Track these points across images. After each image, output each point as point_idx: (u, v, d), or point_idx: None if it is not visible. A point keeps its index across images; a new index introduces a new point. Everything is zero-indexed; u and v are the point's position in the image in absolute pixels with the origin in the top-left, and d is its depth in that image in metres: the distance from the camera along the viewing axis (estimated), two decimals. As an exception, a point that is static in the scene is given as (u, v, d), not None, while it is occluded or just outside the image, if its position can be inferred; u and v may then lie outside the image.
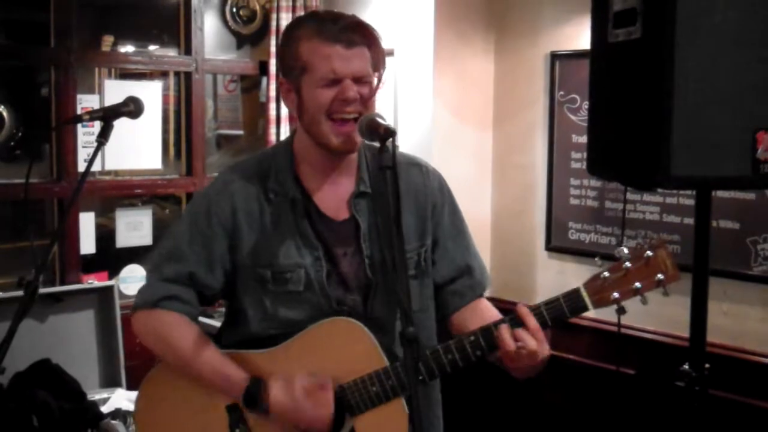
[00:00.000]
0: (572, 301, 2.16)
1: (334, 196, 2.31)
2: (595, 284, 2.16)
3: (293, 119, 4.67)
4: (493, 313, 2.41)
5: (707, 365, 2.43)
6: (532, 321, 2.12)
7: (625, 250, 2.16)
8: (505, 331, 2.12)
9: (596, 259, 2.23)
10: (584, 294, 2.16)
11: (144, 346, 4.15)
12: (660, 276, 2.13)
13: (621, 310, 2.16)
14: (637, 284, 2.13)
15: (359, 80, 2.18)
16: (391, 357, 2.21)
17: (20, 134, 4.40)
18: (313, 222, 2.28)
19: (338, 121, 2.18)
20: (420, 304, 2.37)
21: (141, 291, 2.38)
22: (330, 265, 2.28)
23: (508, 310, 2.26)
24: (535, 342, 2.10)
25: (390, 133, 1.96)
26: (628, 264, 2.14)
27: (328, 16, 2.22)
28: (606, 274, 2.15)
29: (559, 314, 2.15)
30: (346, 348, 2.22)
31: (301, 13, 4.64)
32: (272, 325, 2.28)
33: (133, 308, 2.38)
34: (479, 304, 2.47)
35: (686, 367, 2.43)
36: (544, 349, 2.13)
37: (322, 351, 2.22)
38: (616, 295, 2.14)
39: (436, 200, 2.42)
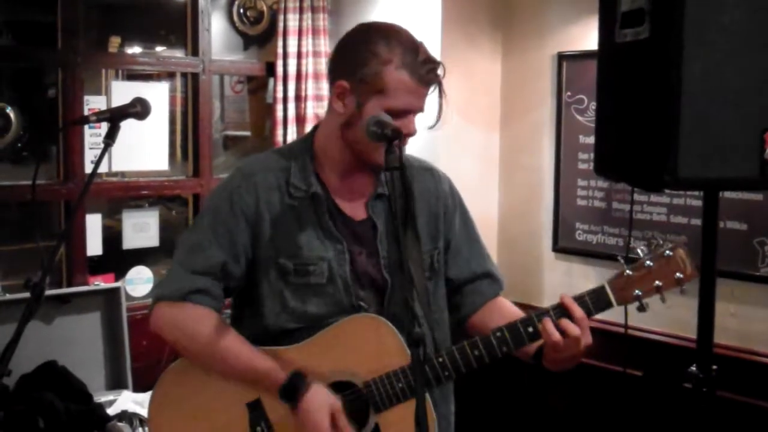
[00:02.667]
0: (597, 297, 2.21)
1: (353, 196, 2.34)
2: (619, 282, 2.21)
3: (300, 121, 4.68)
4: (513, 310, 2.44)
5: (714, 367, 2.42)
6: (578, 310, 2.17)
7: (646, 250, 2.21)
8: (548, 322, 2.16)
9: (619, 257, 2.25)
10: (609, 290, 2.21)
11: (150, 347, 4.20)
12: (679, 275, 2.19)
13: (642, 308, 2.21)
14: (658, 282, 2.19)
15: (416, 114, 2.26)
16: None
17: (27, 136, 4.40)
18: (334, 218, 2.31)
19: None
20: (434, 304, 2.40)
21: (166, 282, 2.36)
22: (351, 262, 2.30)
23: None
24: (578, 330, 2.14)
25: (397, 134, 2.00)
26: (649, 263, 2.20)
27: (416, 49, 2.24)
28: (629, 272, 2.20)
29: (585, 311, 2.19)
30: (372, 344, 2.24)
31: (308, 14, 4.63)
32: (290, 318, 2.29)
33: (156, 299, 2.35)
34: (499, 302, 2.51)
35: (693, 368, 2.42)
36: (587, 338, 2.17)
37: (349, 347, 2.25)
38: (638, 292, 2.20)
39: (448, 204, 2.46)
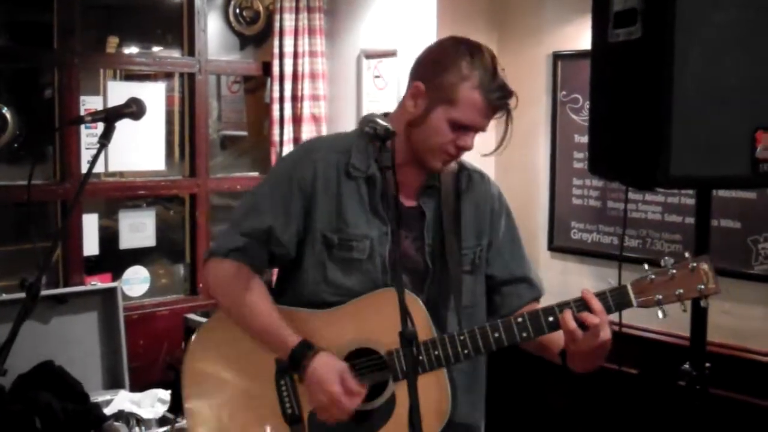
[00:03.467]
0: (619, 296, 2.24)
1: (405, 184, 2.41)
2: (641, 284, 2.23)
3: (297, 120, 4.70)
4: None
5: (708, 364, 2.44)
6: (597, 303, 2.20)
7: (672, 260, 2.23)
8: (567, 312, 2.21)
9: (645, 265, 2.26)
10: (630, 291, 2.23)
11: (147, 347, 4.21)
12: (701, 286, 2.21)
13: (663, 313, 2.23)
14: (680, 290, 2.21)
15: (476, 131, 2.37)
16: None
17: (24, 136, 4.41)
18: (385, 201, 2.39)
19: (448, 155, 2.36)
20: (472, 300, 2.47)
21: (218, 239, 2.49)
22: (393, 245, 2.37)
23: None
24: (597, 319, 2.17)
25: (390, 133, 2.08)
26: (673, 271, 2.22)
27: (495, 74, 2.32)
28: (652, 276, 2.22)
29: (605, 306, 2.22)
30: (399, 316, 2.26)
31: (304, 14, 4.65)
32: (327, 289, 2.38)
33: (208, 255, 2.47)
34: (536, 307, 2.52)
35: (687, 366, 2.44)
36: (607, 332, 2.19)
37: (375, 317, 2.32)
38: (659, 297, 2.22)
39: (495, 206, 2.57)
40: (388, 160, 2.06)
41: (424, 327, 2.28)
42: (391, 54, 4.41)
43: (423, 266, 2.41)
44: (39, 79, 4.58)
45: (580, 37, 4.04)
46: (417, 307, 2.30)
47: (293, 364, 2.29)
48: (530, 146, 4.41)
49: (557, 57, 4.24)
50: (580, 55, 4.05)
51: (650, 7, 2.18)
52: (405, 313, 1.94)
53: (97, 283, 4.21)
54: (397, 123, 2.33)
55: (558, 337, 2.29)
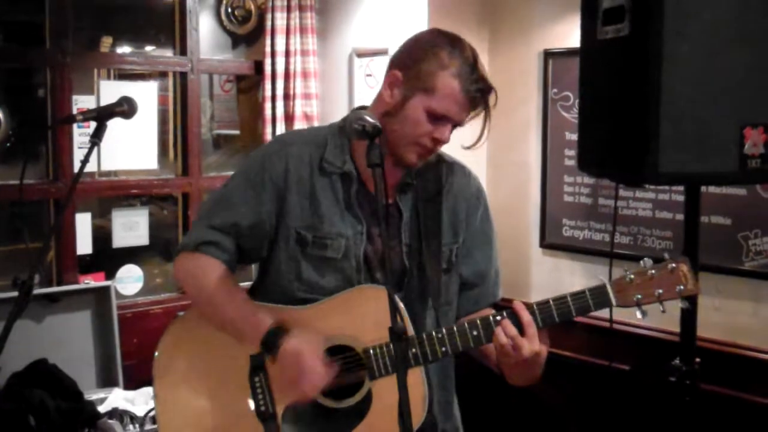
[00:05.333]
0: (598, 294, 2.23)
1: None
2: (620, 283, 2.23)
3: (289, 119, 4.70)
4: None
5: (698, 360, 2.45)
6: (525, 315, 2.19)
7: (651, 261, 2.23)
8: (498, 329, 2.20)
9: (624, 265, 2.28)
10: (610, 290, 2.23)
11: (141, 345, 4.21)
12: (680, 287, 2.22)
13: (643, 313, 2.24)
14: (659, 290, 2.22)
15: (454, 125, 2.32)
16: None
17: (16, 135, 4.41)
18: (360, 198, 2.37)
19: (423, 148, 2.31)
20: (447, 298, 2.46)
21: (188, 234, 2.48)
22: (368, 243, 2.37)
23: (503, 307, 2.30)
24: (523, 335, 2.17)
25: (377, 130, 2.06)
26: (652, 271, 2.22)
27: (475, 66, 2.28)
28: (631, 276, 2.23)
29: (585, 306, 2.23)
30: (377, 314, 2.24)
31: (296, 13, 4.65)
32: (302, 287, 2.37)
33: (177, 250, 2.46)
34: (487, 313, 2.50)
35: (677, 361, 2.45)
36: (534, 345, 2.18)
37: (353, 314, 2.30)
38: (638, 296, 2.22)
39: (472, 202, 2.53)
40: (377, 158, 2.03)
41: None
42: (383, 52, 4.41)
43: (400, 266, 2.39)
44: (31, 79, 4.58)
45: (570, 34, 4.05)
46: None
47: (268, 346, 2.26)
48: (521, 144, 4.42)
49: (548, 55, 4.25)
50: (570, 52, 4.06)
51: (638, 5, 2.20)
52: (395, 309, 1.94)
53: (90, 281, 4.22)
54: (371, 112, 2.29)
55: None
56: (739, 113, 2.19)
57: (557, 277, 4.27)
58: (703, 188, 2.46)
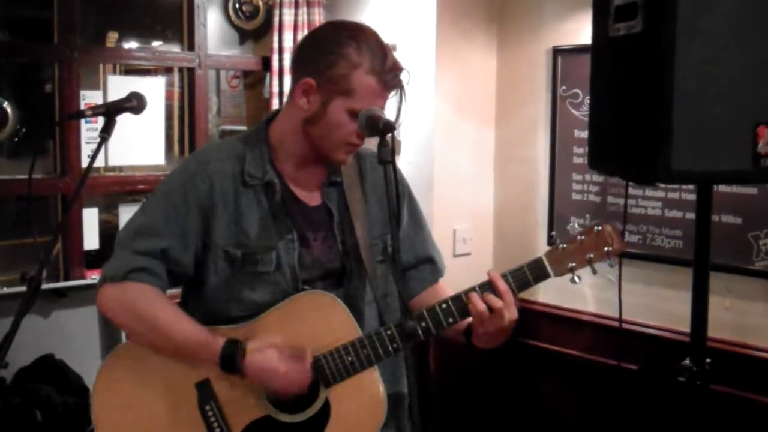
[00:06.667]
0: (536, 269, 2.31)
1: (308, 183, 2.39)
2: (554, 254, 2.32)
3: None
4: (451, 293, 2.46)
5: (708, 360, 2.44)
6: (501, 284, 2.26)
7: (578, 227, 2.33)
8: (474, 295, 2.25)
9: (552, 232, 2.35)
10: (546, 262, 2.30)
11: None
12: (608, 248, 2.30)
13: (577, 278, 2.32)
14: (590, 255, 2.31)
15: None
16: None
17: (24, 130, 4.41)
18: (287, 206, 2.35)
19: (352, 146, 2.31)
20: (386, 289, 2.46)
21: (109, 264, 2.37)
22: (302, 249, 2.35)
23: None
24: (502, 303, 2.23)
25: (389, 127, 2.06)
26: (581, 237, 2.31)
27: (384, 54, 2.27)
28: (563, 245, 2.31)
29: (524, 281, 2.30)
30: (322, 320, 2.29)
31: (304, 9, 4.64)
32: (237, 306, 2.32)
33: (100, 282, 2.36)
34: (437, 288, 2.61)
35: (687, 362, 2.44)
36: (513, 312, 2.26)
37: (299, 323, 2.28)
38: (572, 264, 2.31)
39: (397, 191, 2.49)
40: (388, 155, 2.02)
41: (348, 327, 2.28)
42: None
43: (339, 265, 2.38)
44: (39, 74, 4.57)
45: (580, 31, 4.04)
46: (338, 308, 2.29)
47: (227, 366, 2.22)
48: (530, 141, 4.41)
49: (557, 52, 4.23)
50: (580, 49, 4.05)
51: (651, 2, 2.18)
52: (405, 307, 1.93)
53: (97, 277, 4.21)
54: (289, 123, 2.33)
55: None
56: (752, 111, 2.18)
57: (565, 276, 4.25)
58: (714, 187, 2.44)
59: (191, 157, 2.46)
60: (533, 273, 2.30)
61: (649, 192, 3.86)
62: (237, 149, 2.37)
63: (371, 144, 2.20)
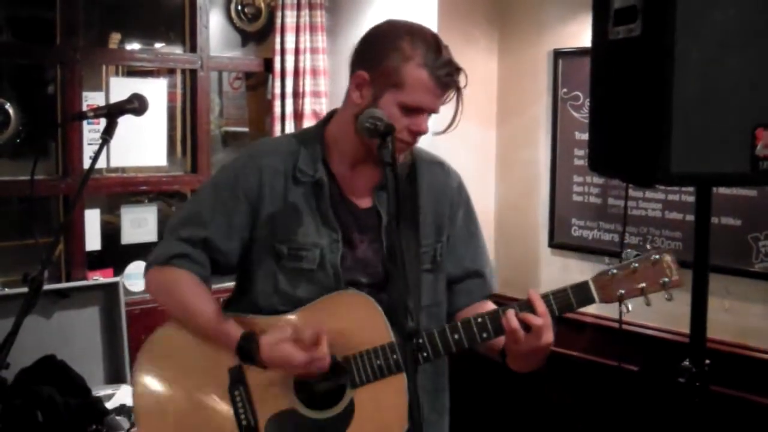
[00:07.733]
0: (580, 292, 2.23)
1: (359, 184, 2.37)
2: (602, 279, 2.23)
3: (298, 116, 4.70)
4: None
5: (708, 361, 2.44)
6: (540, 305, 2.19)
7: (633, 253, 2.23)
8: (511, 312, 2.19)
9: (606, 259, 2.28)
10: (592, 287, 2.22)
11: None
12: (665, 279, 2.21)
13: (625, 307, 2.23)
14: (643, 284, 2.21)
15: (430, 114, 2.28)
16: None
17: (26, 131, 4.42)
18: (335, 206, 2.34)
19: (403, 143, 2.25)
20: (433, 298, 2.43)
21: (155, 249, 2.43)
22: (346, 249, 2.33)
23: (499, 303, 2.33)
24: (540, 321, 2.16)
25: (390, 129, 2.03)
26: (635, 264, 2.21)
27: (439, 50, 2.24)
28: (614, 271, 2.22)
29: (567, 304, 2.22)
30: (355, 320, 2.27)
31: (306, 11, 4.65)
32: (280, 301, 2.33)
33: (147, 265, 2.43)
34: (484, 305, 2.52)
35: (687, 363, 2.44)
36: (549, 335, 2.18)
37: (330, 321, 2.26)
38: (621, 291, 2.22)
39: (454, 199, 2.50)
40: (389, 156, 2.00)
41: (380, 331, 2.26)
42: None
43: (381, 269, 2.35)
44: (41, 75, 4.58)
45: (580, 34, 4.05)
46: (373, 310, 2.26)
47: (246, 359, 2.25)
48: (531, 143, 4.42)
49: (558, 54, 4.25)
50: (580, 52, 4.06)
51: (650, 5, 2.18)
52: (405, 309, 1.93)
53: (99, 278, 4.22)
54: (343, 119, 2.31)
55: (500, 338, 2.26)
56: (751, 114, 2.17)
57: (566, 277, 4.24)
58: (714, 189, 2.44)
59: (248, 148, 2.49)
60: (577, 296, 2.22)
61: (649, 194, 3.87)
62: (291, 145, 2.38)
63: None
